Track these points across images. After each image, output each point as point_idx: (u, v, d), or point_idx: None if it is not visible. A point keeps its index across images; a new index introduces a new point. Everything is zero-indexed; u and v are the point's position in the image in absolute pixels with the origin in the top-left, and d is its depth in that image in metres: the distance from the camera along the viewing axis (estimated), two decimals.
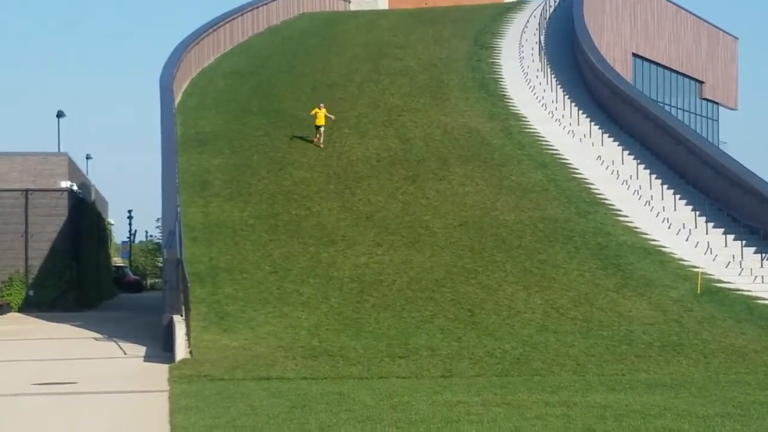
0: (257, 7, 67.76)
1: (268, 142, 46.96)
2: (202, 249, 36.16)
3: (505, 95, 56.38)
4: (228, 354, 26.04)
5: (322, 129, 45.91)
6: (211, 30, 60.88)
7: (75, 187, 50.96)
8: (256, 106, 51.73)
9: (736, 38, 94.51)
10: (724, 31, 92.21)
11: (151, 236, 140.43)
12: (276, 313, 31.04)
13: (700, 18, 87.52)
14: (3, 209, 49.45)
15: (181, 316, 28.35)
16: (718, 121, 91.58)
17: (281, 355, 26.14)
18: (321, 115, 45.87)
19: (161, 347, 28.26)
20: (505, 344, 28.45)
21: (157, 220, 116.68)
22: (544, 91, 58.21)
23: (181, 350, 25.85)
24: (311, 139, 46.17)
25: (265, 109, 51.23)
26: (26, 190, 48.99)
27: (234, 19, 64.45)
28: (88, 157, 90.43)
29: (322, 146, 45.65)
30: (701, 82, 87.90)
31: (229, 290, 32.93)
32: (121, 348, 29.25)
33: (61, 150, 58.78)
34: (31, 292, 48.36)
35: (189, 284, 29.09)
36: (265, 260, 35.68)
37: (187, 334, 27.00)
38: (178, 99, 51.15)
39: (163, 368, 24.37)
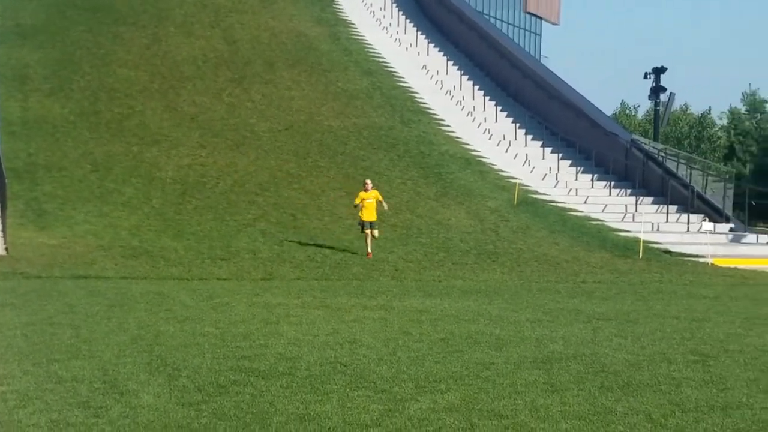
0: None
1: (90, 37, 45.81)
2: (21, 144, 35.28)
3: (333, 0, 56.26)
4: (45, 252, 25.65)
5: (375, 229, 28.80)
6: None
7: None
8: None
9: None
10: None
11: None
12: (96, 212, 30.63)
13: None
14: None
15: None
16: (540, 35, 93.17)
17: (100, 255, 25.89)
18: (373, 203, 28.70)
19: None
20: (326, 249, 28.78)
21: None
22: None
23: None
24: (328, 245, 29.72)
25: (89, 3, 49.83)
26: None
27: None
28: None
29: (370, 254, 28.26)
30: None
31: (47, 188, 32.29)
32: None
33: None
34: None
35: (6, 180, 28.45)
36: (86, 158, 35.05)
37: (3, 230, 26.46)
38: None
39: None
